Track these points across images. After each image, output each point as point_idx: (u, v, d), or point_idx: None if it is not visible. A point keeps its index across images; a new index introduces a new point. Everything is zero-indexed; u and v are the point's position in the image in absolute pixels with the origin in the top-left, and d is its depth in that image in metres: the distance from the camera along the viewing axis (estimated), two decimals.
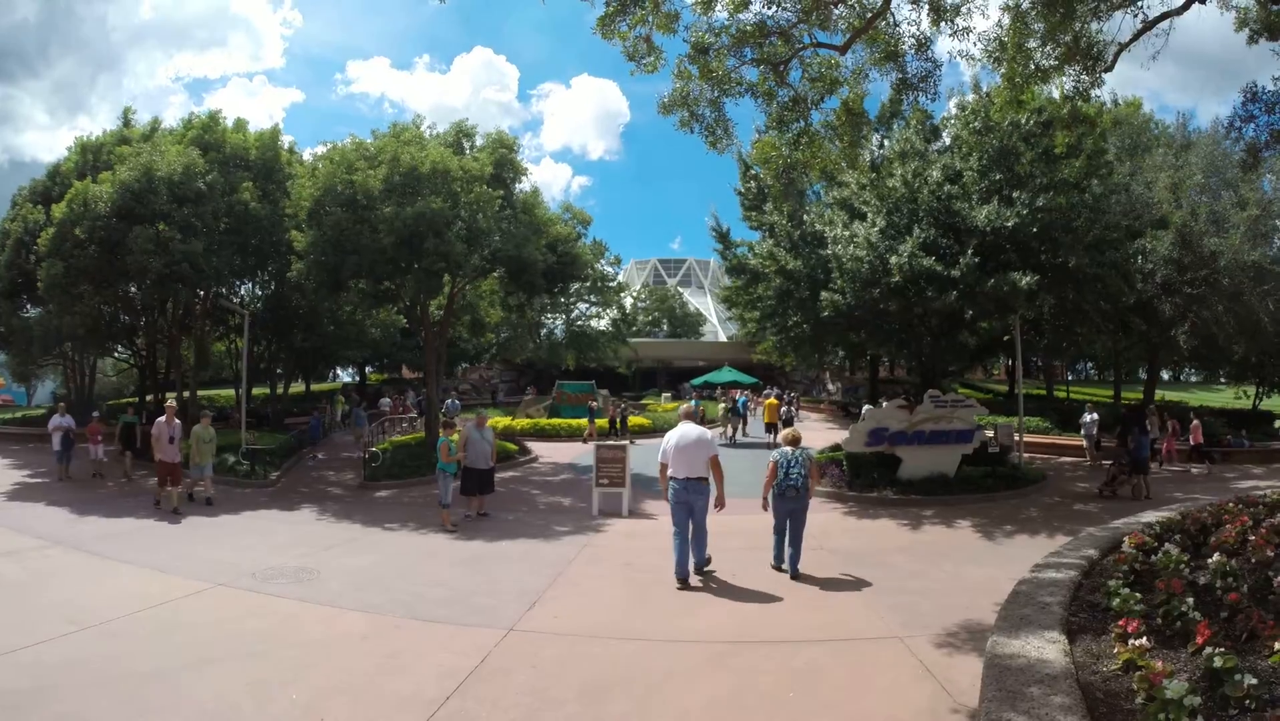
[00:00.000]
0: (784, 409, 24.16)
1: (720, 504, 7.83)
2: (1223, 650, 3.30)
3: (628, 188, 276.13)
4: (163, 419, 12.36)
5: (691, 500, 7.64)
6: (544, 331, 39.59)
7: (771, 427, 22.19)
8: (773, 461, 7.96)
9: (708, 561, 7.96)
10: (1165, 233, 18.34)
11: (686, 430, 7.84)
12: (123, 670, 5.16)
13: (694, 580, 7.65)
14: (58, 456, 15.55)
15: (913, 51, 7.83)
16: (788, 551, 7.99)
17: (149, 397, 26.80)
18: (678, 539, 7.63)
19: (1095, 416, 18.69)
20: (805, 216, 18.05)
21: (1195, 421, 18.47)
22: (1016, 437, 16.51)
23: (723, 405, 28.02)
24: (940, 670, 5.12)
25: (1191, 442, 18.05)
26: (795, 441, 8.19)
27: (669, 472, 7.75)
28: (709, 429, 12.40)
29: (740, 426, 24.64)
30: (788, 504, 7.88)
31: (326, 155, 16.21)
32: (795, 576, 7.81)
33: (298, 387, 35.53)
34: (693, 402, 25.51)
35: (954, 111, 17.17)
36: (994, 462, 14.15)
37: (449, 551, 9.28)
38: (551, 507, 12.73)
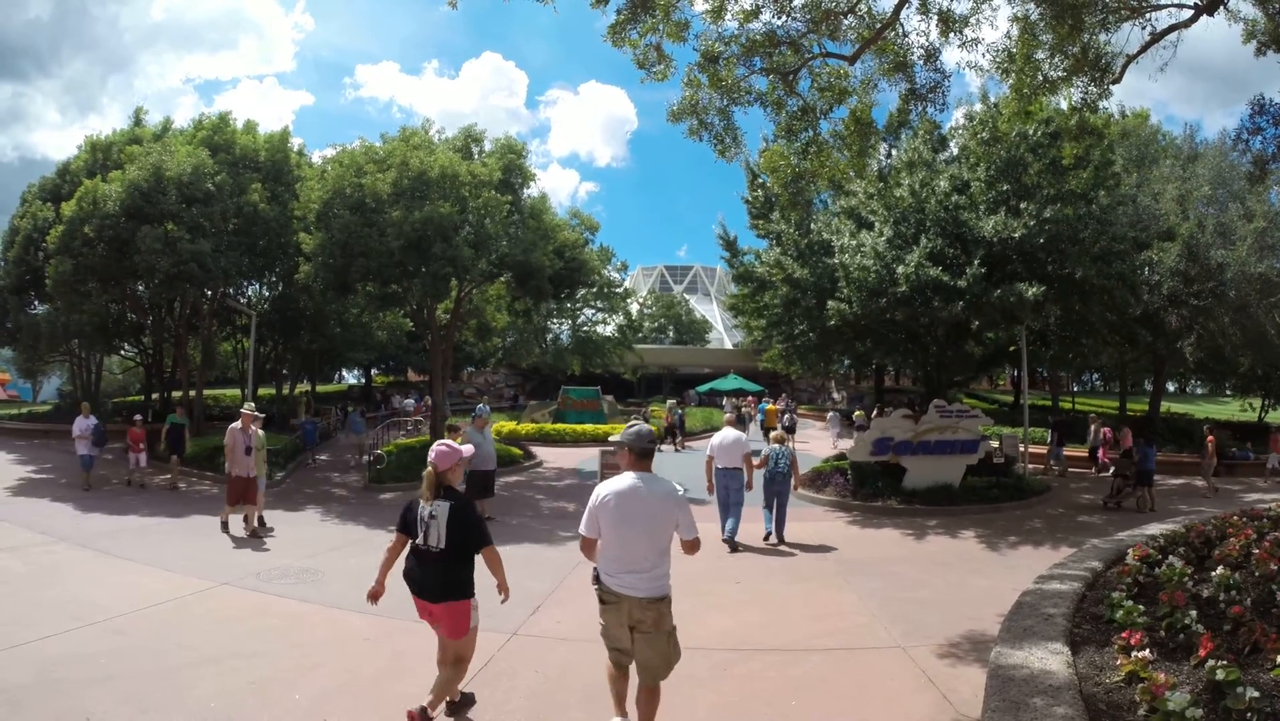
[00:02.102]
0: (785, 415, 24.23)
1: (750, 485, 9.75)
2: (1225, 663, 3.30)
3: (635, 194, 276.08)
4: (236, 425, 10.45)
5: (729, 483, 9.68)
6: (550, 336, 39.70)
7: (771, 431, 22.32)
8: (765, 454, 10.07)
9: (733, 542, 9.59)
10: (1172, 244, 18.32)
11: (727, 432, 9.96)
12: (125, 667, 5.18)
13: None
14: (84, 462, 13.92)
15: (921, 62, 7.88)
16: (773, 524, 9.95)
17: (154, 396, 26.97)
18: (721, 512, 9.77)
19: (1054, 422, 19.61)
20: (812, 225, 18.09)
21: (1125, 429, 18.43)
22: (1021, 448, 16.46)
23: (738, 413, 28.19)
24: (943, 680, 5.10)
25: (1122, 448, 18.02)
26: (780, 440, 10.44)
27: (714, 463, 9.75)
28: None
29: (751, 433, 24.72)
30: (775, 485, 9.94)
31: (335, 158, 16.29)
32: (780, 541, 9.80)
33: (303, 388, 35.67)
34: (678, 413, 25.68)
35: (962, 122, 17.29)
36: (998, 473, 14.12)
37: None
38: (555, 513, 12.72)
